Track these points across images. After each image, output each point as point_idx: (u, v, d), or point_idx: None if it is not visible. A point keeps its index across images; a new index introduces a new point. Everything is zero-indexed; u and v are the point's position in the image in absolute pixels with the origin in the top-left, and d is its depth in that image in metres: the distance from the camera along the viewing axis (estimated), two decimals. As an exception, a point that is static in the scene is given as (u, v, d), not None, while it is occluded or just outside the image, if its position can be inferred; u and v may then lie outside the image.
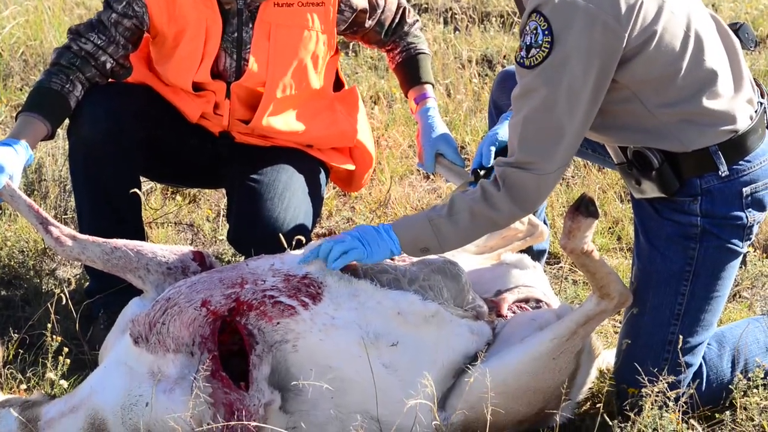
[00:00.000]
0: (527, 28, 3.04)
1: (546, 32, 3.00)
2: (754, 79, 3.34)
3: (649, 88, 3.11)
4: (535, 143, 3.07)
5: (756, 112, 3.24)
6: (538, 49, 3.01)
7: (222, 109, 3.81)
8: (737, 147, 3.18)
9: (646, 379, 3.13)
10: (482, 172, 3.47)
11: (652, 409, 3.06)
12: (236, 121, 3.84)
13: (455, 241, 3.19)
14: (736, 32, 3.33)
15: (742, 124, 3.18)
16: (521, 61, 3.06)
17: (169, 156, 3.93)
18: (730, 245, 3.23)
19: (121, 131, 3.69)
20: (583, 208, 3.02)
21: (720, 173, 3.17)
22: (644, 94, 3.11)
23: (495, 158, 3.47)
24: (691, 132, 3.14)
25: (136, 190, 3.63)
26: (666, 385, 3.07)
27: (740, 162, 3.19)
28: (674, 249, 3.24)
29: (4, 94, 5.56)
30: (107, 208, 3.73)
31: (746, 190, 3.20)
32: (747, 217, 3.22)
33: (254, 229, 3.65)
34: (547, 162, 3.08)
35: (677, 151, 3.16)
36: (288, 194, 3.73)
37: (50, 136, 3.58)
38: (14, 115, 5.33)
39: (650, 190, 3.24)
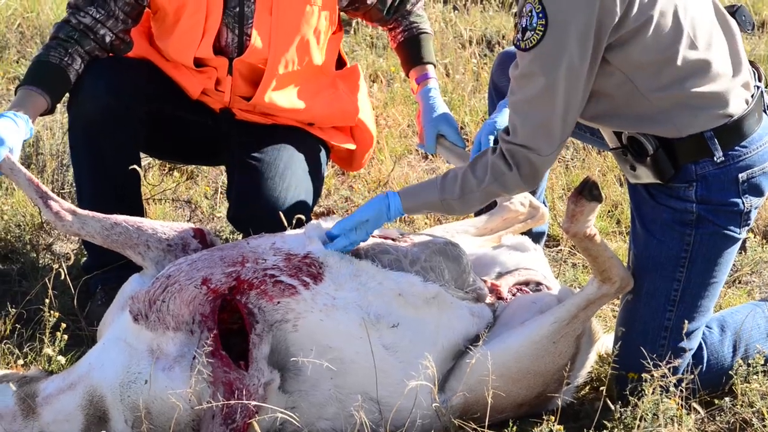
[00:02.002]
0: (524, 10, 3.04)
1: (540, 15, 3.00)
2: (752, 62, 3.33)
3: (643, 72, 3.09)
4: (537, 127, 3.08)
5: (752, 96, 3.22)
6: (532, 32, 3.01)
7: (223, 86, 3.79)
8: (733, 132, 3.16)
9: (645, 363, 3.13)
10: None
11: (652, 393, 3.06)
12: (237, 98, 3.81)
13: (460, 211, 3.31)
14: (732, 15, 3.32)
15: (738, 109, 3.16)
16: (518, 43, 3.06)
17: (169, 132, 3.91)
18: (726, 231, 3.22)
19: (121, 106, 3.66)
20: (587, 191, 3.01)
21: (715, 159, 3.16)
22: (639, 78, 3.10)
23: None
24: (684, 116, 3.13)
25: (136, 166, 3.61)
26: (667, 370, 3.07)
27: (736, 147, 3.17)
28: (670, 235, 3.23)
29: (0, 66, 5.52)
30: (107, 184, 3.71)
31: (742, 175, 3.19)
32: (743, 202, 3.21)
33: (255, 208, 3.63)
34: (551, 143, 3.10)
35: (672, 137, 3.15)
36: (289, 173, 3.71)
37: (50, 110, 3.55)
38: (10, 87, 5.32)
39: (645, 176, 3.23)
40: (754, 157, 3.19)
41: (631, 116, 3.16)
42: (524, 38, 3.04)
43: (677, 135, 3.14)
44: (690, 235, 3.21)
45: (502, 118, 3.49)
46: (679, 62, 3.09)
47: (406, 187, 3.36)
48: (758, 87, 3.26)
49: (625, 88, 3.12)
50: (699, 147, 3.15)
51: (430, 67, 3.97)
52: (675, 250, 3.23)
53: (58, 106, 3.68)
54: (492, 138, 3.48)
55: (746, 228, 3.27)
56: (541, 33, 3.00)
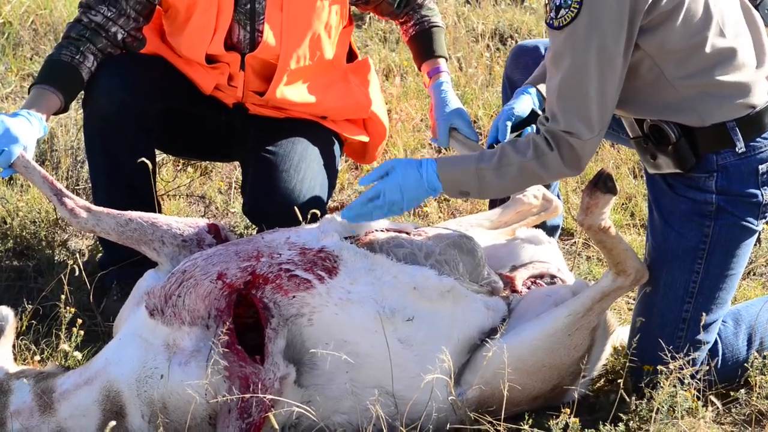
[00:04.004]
0: None
1: None
2: (774, 56, 3.33)
3: (671, 59, 3.10)
4: (574, 110, 3.07)
5: (775, 88, 3.22)
6: (567, 10, 3.00)
7: (236, 81, 3.79)
8: (755, 123, 3.17)
9: (662, 356, 3.13)
10: (497, 147, 3.45)
11: (669, 386, 3.06)
12: (250, 93, 3.82)
13: (495, 191, 3.26)
14: (756, 7, 3.32)
15: (761, 100, 3.17)
16: (551, 22, 3.05)
17: (182, 128, 3.92)
18: (744, 223, 3.22)
19: (136, 103, 3.67)
20: (602, 184, 3.00)
21: (737, 150, 3.16)
22: (666, 65, 3.10)
23: (511, 133, 3.45)
24: (709, 104, 3.13)
25: (145, 160, 3.61)
26: (682, 362, 3.07)
27: (757, 139, 3.18)
28: (689, 226, 3.22)
29: (14, 63, 5.54)
30: (122, 180, 3.72)
31: (763, 167, 3.19)
32: (763, 194, 3.21)
33: (270, 201, 3.63)
34: (589, 127, 3.08)
35: (695, 126, 3.15)
36: (304, 166, 3.71)
37: (63, 109, 3.56)
38: (24, 84, 5.33)
39: (666, 166, 3.22)
40: (774, 149, 3.19)
41: (656, 103, 3.16)
42: (558, 16, 3.02)
43: (700, 124, 3.14)
44: (709, 227, 3.21)
45: (520, 105, 3.48)
46: (707, 49, 3.09)
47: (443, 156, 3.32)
48: None
49: (652, 74, 3.12)
50: (721, 137, 3.15)
51: (441, 61, 3.97)
52: (694, 242, 3.22)
53: (72, 104, 3.68)
54: (510, 124, 3.46)
55: (763, 221, 3.27)
56: (576, 10, 2.99)
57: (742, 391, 3.32)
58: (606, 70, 3.03)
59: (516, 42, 5.81)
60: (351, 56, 4.11)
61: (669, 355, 3.12)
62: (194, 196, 4.64)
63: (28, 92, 3.56)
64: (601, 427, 3.10)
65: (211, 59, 3.76)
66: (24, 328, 3.52)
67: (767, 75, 3.21)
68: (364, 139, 4.05)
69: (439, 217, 4.44)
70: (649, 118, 3.21)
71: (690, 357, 3.15)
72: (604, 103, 3.07)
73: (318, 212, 3.41)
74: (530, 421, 3.04)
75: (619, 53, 3.02)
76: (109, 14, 3.67)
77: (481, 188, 3.18)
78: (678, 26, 3.05)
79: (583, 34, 3.00)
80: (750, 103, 3.15)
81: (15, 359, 3.31)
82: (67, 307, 3.32)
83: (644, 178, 3.65)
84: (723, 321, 3.38)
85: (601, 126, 3.09)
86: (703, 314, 3.23)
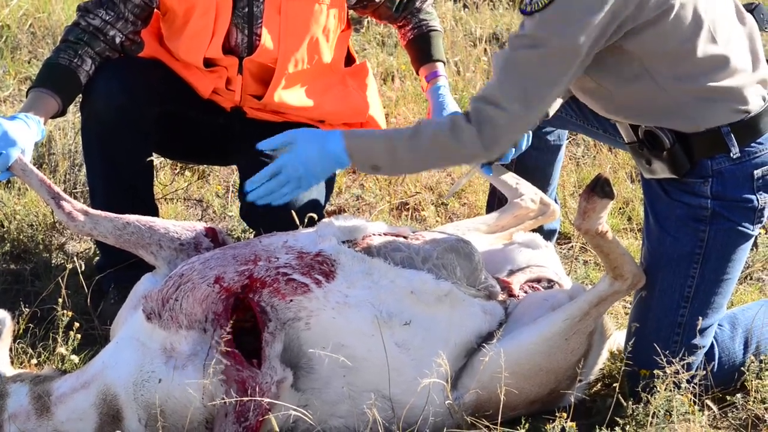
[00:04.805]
0: None
1: None
2: (768, 60, 3.34)
3: (661, 63, 3.09)
4: (518, 87, 3.05)
5: (769, 93, 3.23)
6: None
7: (234, 85, 3.79)
8: (749, 128, 3.17)
9: (658, 360, 3.13)
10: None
11: (665, 390, 3.06)
12: (248, 97, 3.82)
13: (409, 164, 3.18)
14: (750, 12, 3.32)
15: (755, 105, 3.17)
16: (524, 7, 3.04)
17: (180, 132, 3.92)
18: (740, 228, 3.22)
19: (135, 106, 3.67)
20: (599, 188, 3.01)
21: (731, 155, 3.16)
22: (656, 69, 3.10)
23: None
24: (702, 109, 3.13)
25: (152, 159, 3.61)
26: (679, 366, 3.07)
27: (752, 144, 3.18)
28: (684, 231, 3.23)
29: (12, 66, 5.54)
30: (120, 183, 3.72)
31: (758, 172, 3.19)
32: (758, 199, 3.21)
33: (268, 204, 3.62)
34: (524, 107, 3.05)
35: (689, 131, 3.15)
36: (301, 169, 3.71)
37: (61, 112, 3.56)
38: (22, 87, 5.34)
39: (661, 171, 3.23)
40: (769, 154, 3.20)
41: (650, 109, 3.16)
42: (531, 2, 3.02)
43: (694, 129, 3.14)
44: (704, 232, 3.21)
45: None
46: (698, 54, 3.09)
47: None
48: None
49: (643, 79, 3.11)
50: (715, 142, 3.15)
51: (439, 65, 3.97)
52: (689, 247, 3.23)
53: (70, 107, 3.68)
54: None
55: (759, 225, 3.27)
56: None
57: (739, 395, 3.32)
58: (566, 61, 3.01)
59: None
60: (349, 60, 4.11)
61: (665, 360, 3.13)
62: (192, 200, 4.64)
63: (26, 95, 3.57)
64: (597, 431, 3.10)
65: (209, 63, 3.77)
66: (21, 331, 3.52)
67: (761, 80, 3.21)
68: (362, 143, 4.05)
69: (437, 221, 4.44)
70: (644, 124, 3.21)
71: (686, 361, 3.15)
72: (555, 88, 3.06)
73: (315, 216, 3.41)
74: (527, 426, 3.04)
75: (583, 50, 3.00)
76: (107, 18, 3.67)
77: (394, 161, 3.14)
78: (666, 30, 3.04)
79: (554, 21, 2.98)
80: (744, 108, 3.15)
81: (12, 362, 3.31)
82: (65, 311, 3.32)
83: (641, 183, 3.65)
84: (719, 325, 3.38)
85: (540, 112, 3.09)
86: (699, 318, 3.23)
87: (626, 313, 3.85)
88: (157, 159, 4.53)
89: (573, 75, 3.06)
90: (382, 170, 3.20)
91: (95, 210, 3.29)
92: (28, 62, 5.63)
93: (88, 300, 3.62)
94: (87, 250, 4.18)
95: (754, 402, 3.28)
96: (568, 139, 4.12)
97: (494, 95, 3.07)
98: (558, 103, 3.50)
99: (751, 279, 4.19)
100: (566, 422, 2.97)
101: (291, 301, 3.02)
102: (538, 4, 3.00)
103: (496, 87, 3.08)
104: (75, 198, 4.39)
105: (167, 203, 4.52)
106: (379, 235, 3.25)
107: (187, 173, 4.75)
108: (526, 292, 3.40)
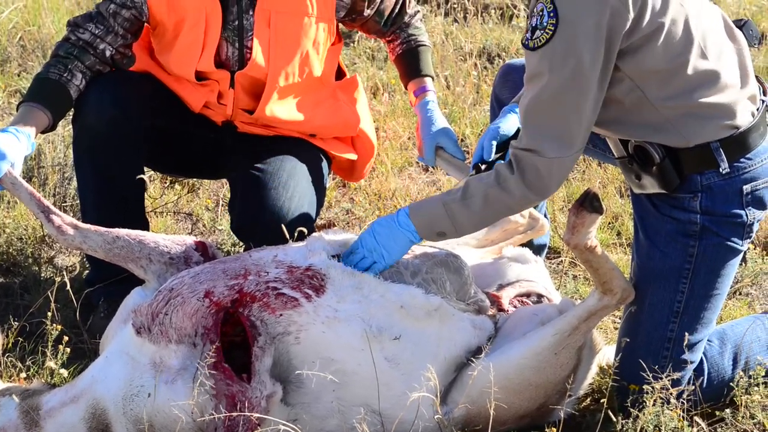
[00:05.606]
0: (535, 10, 3.04)
1: (552, 14, 2.99)
2: (757, 76, 3.34)
3: (653, 81, 3.10)
4: (541, 129, 3.07)
5: (758, 109, 3.24)
6: (542, 31, 3.01)
7: (226, 99, 3.80)
8: (739, 144, 3.18)
9: (647, 375, 3.13)
10: (483, 167, 3.45)
11: (654, 405, 3.06)
12: (240, 111, 3.82)
13: (470, 225, 3.20)
14: (740, 28, 3.34)
15: (744, 120, 3.18)
16: (526, 42, 3.06)
17: (171, 146, 3.92)
18: (729, 243, 3.23)
19: (126, 120, 3.67)
20: (588, 203, 3.01)
21: (721, 170, 3.17)
22: (648, 86, 3.11)
23: (496, 152, 3.46)
24: (693, 125, 3.13)
25: (142, 176, 3.62)
26: (668, 382, 3.07)
27: (741, 159, 3.19)
28: (673, 246, 3.23)
29: (2, 79, 5.54)
30: (111, 197, 3.72)
31: (747, 187, 3.20)
32: (747, 215, 3.22)
33: (259, 218, 3.63)
34: (559, 145, 3.06)
35: (678, 146, 3.16)
36: (292, 183, 3.72)
37: (52, 127, 3.56)
38: (12, 100, 5.33)
39: (650, 186, 3.23)
40: (758, 170, 3.20)
41: (639, 124, 3.17)
42: (533, 37, 3.03)
43: (684, 145, 3.15)
44: (693, 247, 3.21)
45: (506, 124, 3.49)
46: (689, 71, 3.09)
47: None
48: (763, 101, 3.27)
49: (633, 95, 3.12)
50: (705, 158, 3.16)
51: (428, 80, 3.98)
52: (678, 262, 3.23)
53: (60, 121, 3.68)
54: (495, 143, 3.46)
55: (748, 240, 3.28)
56: (551, 32, 2.99)
57: (728, 410, 3.32)
58: (581, 91, 3.02)
59: (504, 61, 5.84)
60: (339, 74, 4.12)
61: (654, 375, 3.13)
62: (181, 214, 4.64)
63: (17, 110, 3.56)
64: (587, 446, 3.11)
65: (200, 76, 3.77)
66: (10, 345, 3.51)
67: (750, 95, 3.22)
68: (353, 156, 4.06)
69: (426, 236, 4.43)
70: (633, 139, 3.22)
71: (675, 376, 3.15)
72: (580, 123, 3.06)
73: (305, 230, 3.41)
74: (516, 440, 3.05)
75: (596, 73, 3.01)
76: (96, 32, 3.68)
77: (455, 225, 3.17)
78: (658, 48, 3.05)
79: (559, 54, 3.00)
80: (734, 124, 3.16)
81: (1, 376, 3.30)
82: (54, 324, 3.31)
83: (630, 198, 3.66)
84: (708, 340, 3.38)
85: (574, 147, 3.08)
86: (688, 334, 3.24)
87: (615, 328, 3.86)
88: (147, 172, 4.53)
89: (595, 100, 3.05)
90: (449, 236, 3.21)
91: (85, 224, 3.28)
92: (18, 75, 5.63)
93: (78, 314, 3.62)
94: (76, 264, 4.18)
95: (743, 418, 3.29)
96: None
97: (528, 142, 3.08)
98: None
99: (740, 294, 4.20)
100: (555, 437, 2.97)
101: (281, 315, 3.02)
102: (540, 40, 3.01)
103: (526, 133, 3.10)
104: (64, 211, 4.38)
105: (157, 217, 4.52)
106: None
107: (177, 187, 4.75)
108: (515, 306, 3.40)
